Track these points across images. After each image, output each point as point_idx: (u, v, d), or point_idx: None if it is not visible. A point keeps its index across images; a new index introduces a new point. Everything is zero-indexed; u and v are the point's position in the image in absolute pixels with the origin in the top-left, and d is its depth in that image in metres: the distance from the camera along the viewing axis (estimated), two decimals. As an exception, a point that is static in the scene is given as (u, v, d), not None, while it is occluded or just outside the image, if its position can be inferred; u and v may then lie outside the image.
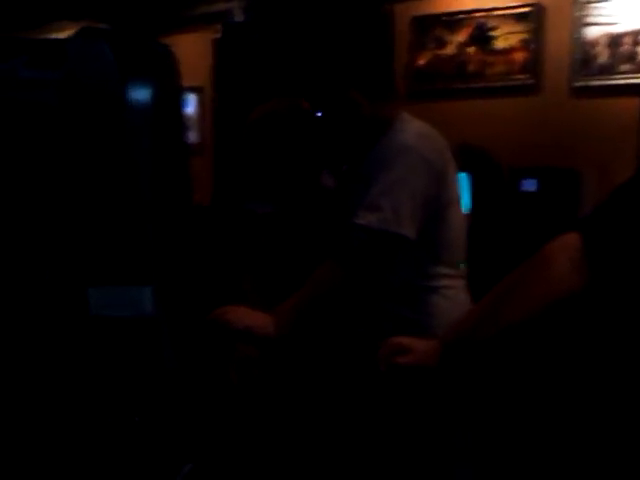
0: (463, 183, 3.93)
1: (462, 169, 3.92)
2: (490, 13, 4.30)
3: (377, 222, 1.70)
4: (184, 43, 5.73)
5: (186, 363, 1.03)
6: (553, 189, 3.88)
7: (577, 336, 3.19)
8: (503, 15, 4.27)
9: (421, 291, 1.84)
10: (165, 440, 1.03)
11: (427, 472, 1.80)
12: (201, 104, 5.80)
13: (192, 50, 5.76)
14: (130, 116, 0.90)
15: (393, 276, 1.83)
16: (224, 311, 1.73)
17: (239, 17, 5.50)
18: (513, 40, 4.25)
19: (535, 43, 4.17)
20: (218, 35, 5.60)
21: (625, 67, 3.87)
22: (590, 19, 3.96)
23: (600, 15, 3.93)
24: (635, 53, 3.84)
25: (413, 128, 1.86)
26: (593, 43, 3.96)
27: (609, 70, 3.92)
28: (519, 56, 4.24)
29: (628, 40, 3.86)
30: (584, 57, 3.99)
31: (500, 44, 4.30)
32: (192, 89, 5.74)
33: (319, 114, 1.98)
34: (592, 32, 3.96)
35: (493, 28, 4.31)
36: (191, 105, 5.84)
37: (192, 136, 5.86)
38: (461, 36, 4.43)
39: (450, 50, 4.48)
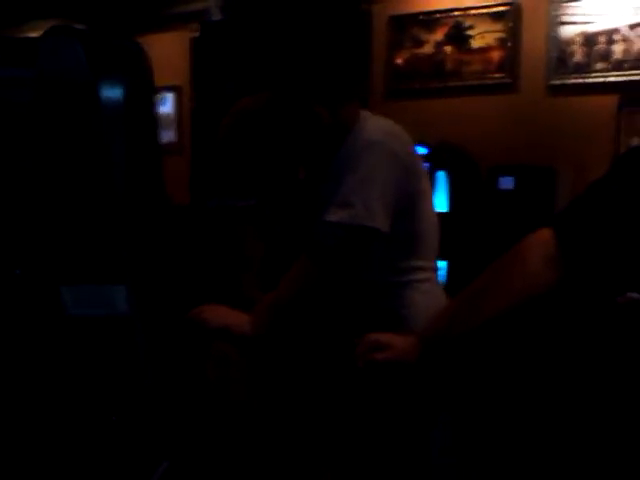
0: (441, 181, 3.96)
1: (440, 167, 3.97)
2: (467, 12, 4.33)
3: (349, 218, 1.70)
4: (162, 42, 5.71)
5: (162, 362, 1.03)
6: (530, 187, 3.91)
7: (553, 330, 3.22)
8: (479, 14, 4.30)
9: (395, 285, 1.85)
10: (142, 438, 1.03)
11: (407, 466, 1.81)
12: (179, 103, 5.78)
13: (170, 49, 5.74)
14: (103, 114, 0.90)
15: (367, 271, 1.83)
16: (201, 310, 1.73)
17: (217, 16, 5.48)
18: (490, 39, 4.28)
19: (511, 42, 4.20)
20: (196, 34, 5.58)
21: (601, 65, 3.91)
22: (565, 18, 4.00)
23: (575, 14, 3.97)
24: (610, 52, 3.89)
25: (377, 124, 1.87)
26: (569, 42, 4.00)
27: (585, 68, 3.96)
28: (496, 55, 4.27)
29: (603, 39, 3.90)
30: (560, 56, 4.03)
31: (477, 43, 4.33)
32: (170, 88, 5.72)
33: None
34: (567, 31, 4.00)
35: (470, 27, 4.33)
36: (169, 104, 5.81)
37: (170, 135, 5.83)
38: (438, 35, 4.45)
39: (427, 49, 4.50)
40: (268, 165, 2.02)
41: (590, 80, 3.95)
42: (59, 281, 0.96)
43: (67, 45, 0.90)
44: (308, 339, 1.87)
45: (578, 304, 2.85)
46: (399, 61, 4.60)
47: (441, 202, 3.89)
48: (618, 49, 3.86)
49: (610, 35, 3.88)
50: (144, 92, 0.97)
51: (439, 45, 4.46)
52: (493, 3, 4.24)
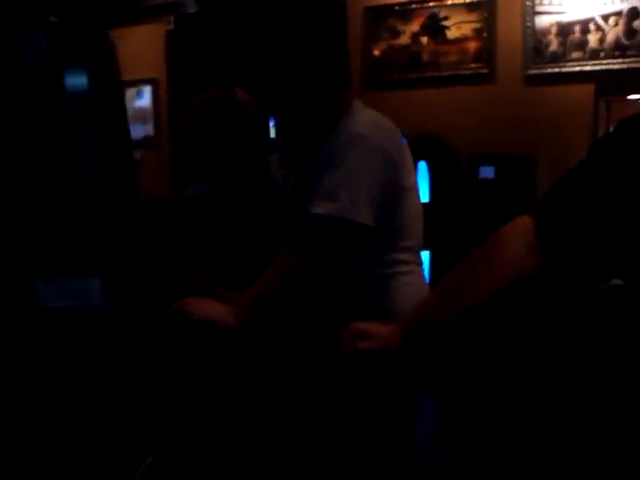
0: (421, 172, 3.97)
1: (420, 158, 3.97)
2: (442, 3, 4.34)
3: (335, 211, 1.71)
4: (137, 35, 5.66)
5: (139, 354, 1.02)
6: (510, 176, 3.94)
7: (536, 317, 3.25)
8: (455, 5, 4.30)
9: (380, 277, 1.86)
10: (125, 432, 1.02)
11: (389, 455, 1.82)
12: (156, 96, 5.73)
13: (145, 42, 5.69)
14: (67, 102, 0.88)
15: (351, 263, 1.84)
16: (184, 302, 1.72)
17: (192, 8, 5.44)
18: (465, 29, 4.29)
19: (487, 32, 4.22)
20: (171, 27, 5.54)
21: (576, 55, 3.94)
22: (540, 8, 4.02)
23: (550, 4, 4.00)
24: (585, 41, 3.92)
25: (366, 117, 1.87)
26: (544, 32, 4.02)
27: (561, 58, 3.99)
28: (472, 45, 4.28)
29: (577, 28, 3.93)
30: (536, 45, 4.05)
31: (453, 34, 4.33)
32: (146, 81, 5.67)
33: (271, 104, 1.98)
34: (543, 21, 4.02)
35: (445, 18, 4.34)
36: (146, 97, 5.77)
37: (148, 129, 5.79)
38: (414, 26, 4.45)
39: (404, 40, 4.50)
40: (227, 155, 2.03)
41: (566, 69, 3.98)
42: (33, 273, 0.95)
43: (27, 32, 0.88)
44: (292, 330, 1.87)
45: (560, 291, 2.87)
46: (376, 52, 4.60)
47: (422, 192, 3.90)
48: (593, 38, 3.89)
49: (584, 25, 3.90)
50: (110, 80, 0.96)
51: (415, 36, 4.46)
52: (468, -6, 4.25)
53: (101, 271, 0.92)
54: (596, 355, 2.80)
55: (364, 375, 1.73)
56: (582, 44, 3.93)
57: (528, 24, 4.06)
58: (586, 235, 1.27)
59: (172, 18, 5.51)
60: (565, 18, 3.95)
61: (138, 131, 5.62)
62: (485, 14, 4.20)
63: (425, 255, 3.81)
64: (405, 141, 1.98)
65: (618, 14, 3.81)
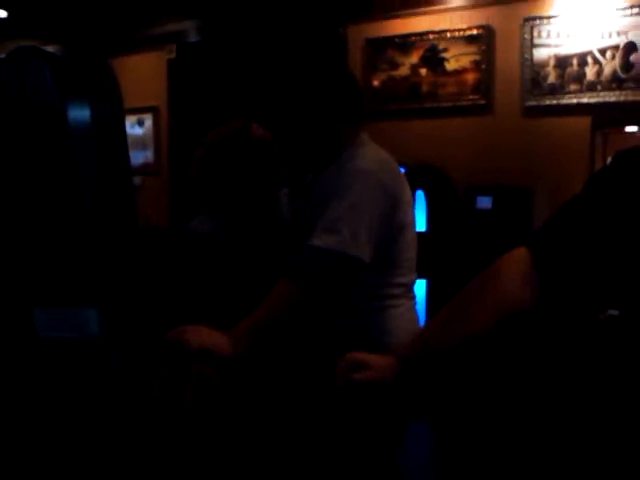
0: (419, 201, 3.99)
1: (418, 187, 3.99)
2: (441, 35, 4.39)
3: (335, 244, 1.72)
4: (139, 64, 5.72)
5: (136, 384, 1.01)
6: (507, 206, 3.96)
7: (533, 347, 3.23)
8: (454, 37, 4.36)
9: (374, 310, 1.87)
10: (121, 461, 1.01)
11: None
12: (156, 124, 5.77)
13: (147, 70, 5.75)
14: (70, 135, 0.88)
15: (347, 296, 1.85)
16: (181, 330, 1.71)
17: (193, 37, 5.51)
18: (464, 62, 4.34)
19: (486, 64, 4.26)
20: (172, 55, 5.60)
21: (574, 87, 3.98)
22: (538, 41, 4.07)
23: (548, 37, 4.05)
24: (582, 74, 3.96)
25: (371, 152, 1.90)
26: (542, 64, 4.07)
27: (559, 90, 4.03)
28: (470, 77, 4.33)
29: (575, 61, 3.97)
30: (534, 77, 4.09)
31: (452, 66, 4.38)
32: (147, 109, 5.72)
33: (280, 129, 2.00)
34: (541, 53, 4.07)
35: (444, 50, 4.39)
36: (146, 125, 5.81)
37: (148, 156, 5.82)
38: (414, 58, 4.50)
39: (403, 71, 4.55)
40: (241, 190, 2.04)
41: (564, 102, 4.02)
42: (31, 303, 0.95)
43: (32, 66, 0.89)
44: (287, 359, 1.86)
45: (556, 322, 2.87)
46: (375, 83, 4.64)
47: (419, 221, 3.92)
48: (590, 71, 3.93)
49: (582, 58, 3.95)
50: (113, 113, 0.97)
51: (415, 67, 4.51)
52: (467, 26, 4.30)
53: (99, 301, 0.92)
54: (594, 385, 2.79)
55: (358, 405, 1.73)
56: (580, 77, 3.97)
57: (526, 56, 4.11)
58: (583, 267, 1.27)
59: (174, 47, 5.57)
60: (563, 51, 4.00)
61: (137, 158, 5.65)
62: (484, 47, 4.25)
63: (422, 284, 3.83)
64: (403, 171, 1.99)
65: (615, 48, 3.85)
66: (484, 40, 4.25)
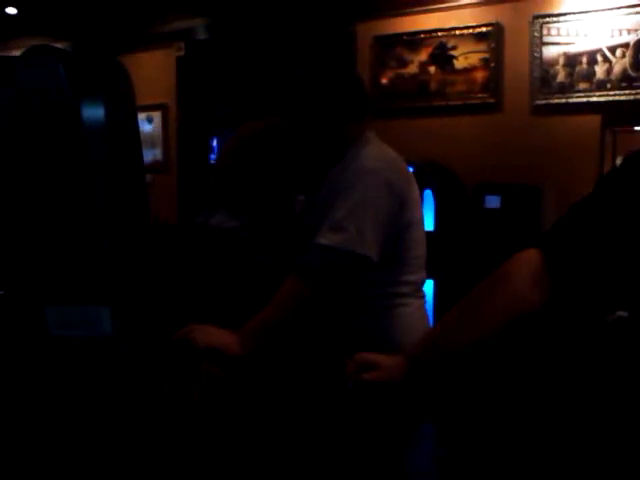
0: (427, 200, 3.98)
1: (426, 186, 3.99)
2: (450, 33, 4.37)
3: (342, 243, 1.73)
4: (148, 61, 5.73)
5: (148, 381, 1.02)
6: (515, 206, 3.95)
7: (542, 348, 3.23)
8: (463, 35, 4.34)
9: (383, 308, 1.87)
10: (131, 460, 1.02)
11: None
12: (165, 121, 5.78)
13: (156, 68, 5.76)
14: (84, 133, 0.89)
15: (355, 294, 1.85)
16: (189, 329, 1.72)
17: (202, 35, 5.51)
18: (473, 59, 4.32)
19: (495, 62, 4.25)
20: (181, 53, 5.60)
21: (584, 85, 3.96)
22: (548, 39, 4.05)
23: (558, 35, 4.03)
24: (592, 72, 3.94)
25: (377, 151, 1.90)
26: (552, 62, 4.05)
27: (568, 89, 4.01)
28: (479, 75, 4.31)
29: (585, 60, 3.96)
30: (543, 76, 4.07)
31: (461, 63, 4.37)
32: (156, 106, 5.72)
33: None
34: (550, 51, 4.05)
35: (453, 48, 4.38)
36: (155, 122, 5.81)
37: (157, 154, 5.83)
38: (422, 55, 4.49)
39: (412, 69, 4.54)
40: (267, 188, 2.03)
41: (573, 100, 4.00)
42: (44, 302, 0.95)
43: (47, 64, 0.89)
44: (298, 358, 1.87)
45: (566, 322, 2.86)
46: (384, 81, 4.63)
47: (428, 221, 3.91)
48: (600, 70, 3.92)
49: (592, 56, 3.93)
50: (126, 111, 0.97)
51: (423, 65, 4.49)
52: (476, 24, 4.29)
53: (112, 300, 0.93)
54: (602, 386, 2.78)
55: (367, 405, 1.73)
56: (589, 75, 3.95)
57: (536, 55, 4.09)
58: (595, 268, 1.26)
59: (183, 44, 5.58)
60: (572, 49, 3.98)
61: (146, 155, 5.66)
62: (493, 44, 4.24)
63: (430, 284, 3.82)
64: (411, 169, 1.99)
65: (625, 46, 3.83)
66: (493, 38, 4.23)
